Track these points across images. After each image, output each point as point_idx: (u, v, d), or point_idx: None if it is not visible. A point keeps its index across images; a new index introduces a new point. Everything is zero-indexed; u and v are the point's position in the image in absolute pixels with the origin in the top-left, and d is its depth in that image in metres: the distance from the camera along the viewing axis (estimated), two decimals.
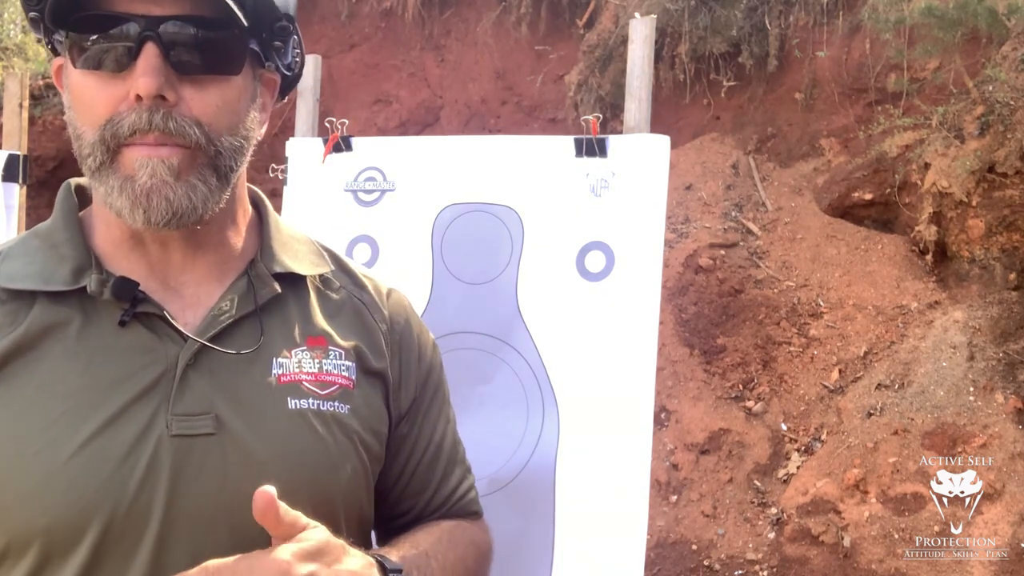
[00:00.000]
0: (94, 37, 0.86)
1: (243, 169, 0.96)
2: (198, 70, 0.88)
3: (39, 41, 0.95)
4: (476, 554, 1.09)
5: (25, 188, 2.73)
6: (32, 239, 0.95)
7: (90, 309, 0.90)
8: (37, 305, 0.89)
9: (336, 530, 0.94)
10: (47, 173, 7.04)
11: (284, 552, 0.77)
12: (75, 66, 0.88)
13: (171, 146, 0.87)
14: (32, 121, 6.45)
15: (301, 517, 0.80)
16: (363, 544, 0.98)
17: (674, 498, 4.18)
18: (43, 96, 7.06)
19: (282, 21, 0.95)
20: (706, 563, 3.93)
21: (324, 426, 0.94)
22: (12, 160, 2.69)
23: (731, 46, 5.61)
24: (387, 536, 1.05)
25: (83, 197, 1.00)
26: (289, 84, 1.03)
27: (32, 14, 0.90)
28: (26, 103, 2.78)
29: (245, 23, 0.89)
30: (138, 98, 0.85)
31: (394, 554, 0.93)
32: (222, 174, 0.91)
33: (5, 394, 0.86)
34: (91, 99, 0.88)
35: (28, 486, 0.83)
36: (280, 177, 2.30)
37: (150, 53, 0.85)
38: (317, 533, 0.80)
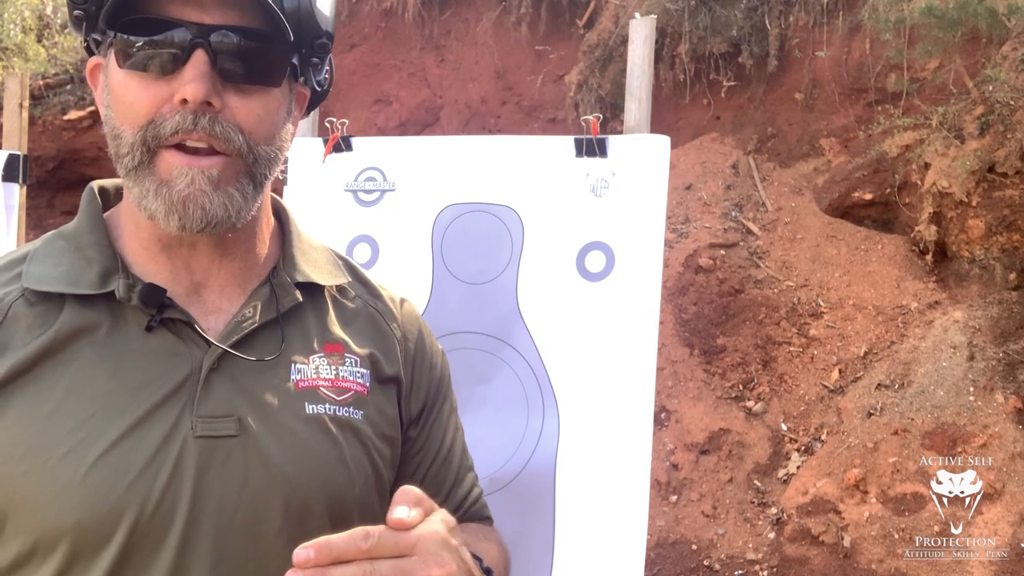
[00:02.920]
0: (144, 40, 0.88)
1: (272, 179, 0.98)
2: (243, 79, 0.89)
3: (83, 43, 0.95)
4: (503, 553, 1.11)
5: (25, 188, 2.73)
6: (58, 240, 0.96)
7: (118, 313, 0.92)
8: (66, 308, 0.91)
9: None
10: (47, 173, 7.05)
11: (438, 523, 0.78)
12: (120, 66, 0.89)
13: (213, 156, 0.89)
14: (32, 121, 6.45)
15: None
16: None
17: (674, 498, 4.18)
18: (43, 96, 7.06)
19: (322, 39, 0.96)
20: (706, 563, 3.93)
21: (339, 431, 0.96)
22: (12, 160, 2.69)
23: (731, 46, 5.61)
24: None
25: (106, 199, 1.01)
26: (317, 100, 1.05)
27: (77, 12, 0.91)
28: (26, 103, 2.78)
29: (291, 37, 0.90)
30: (183, 102, 0.87)
31: None
32: (258, 182, 0.93)
33: (35, 395, 0.87)
34: (133, 99, 0.89)
35: (57, 485, 0.85)
36: (280, 177, 2.30)
37: (199, 60, 0.87)
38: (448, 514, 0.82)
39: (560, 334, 1.99)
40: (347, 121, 2.22)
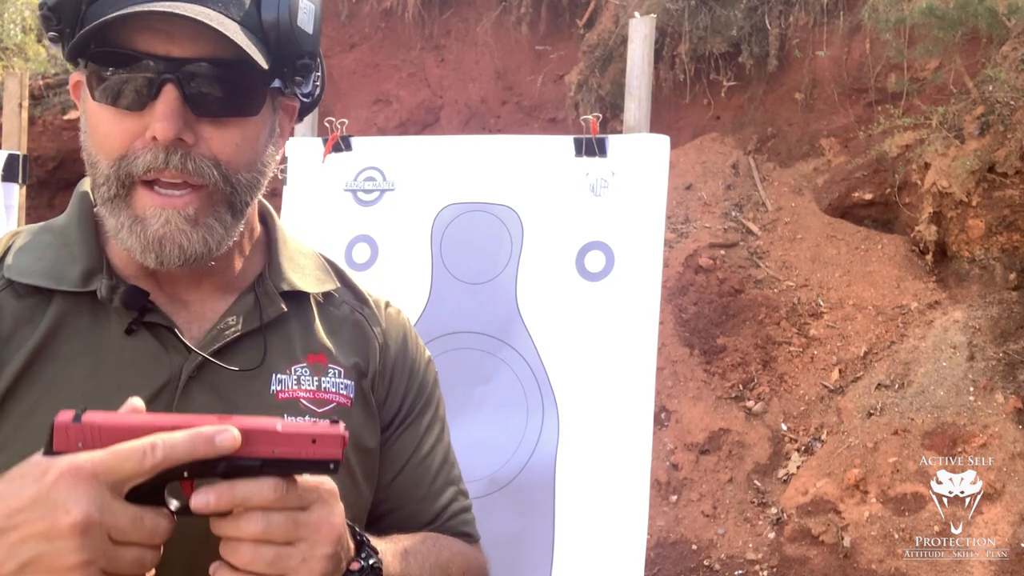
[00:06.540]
0: (113, 71, 0.85)
1: (254, 202, 0.96)
2: (217, 112, 0.87)
3: (68, 61, 0.94)
4: (463, 564, 1.05)
5: (25, 188, 2.72)
6: (44, 234, 0.95)
7: (100, 313, 0.90)
8: (53, 303, 0.89)
9: None
10: (47, 173, 7.04)
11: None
12: (93, 96, 0.87)
13: (188, 193, 0.86)
14: (32, 121, 6.45)
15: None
16: None
17: (674, 498, 4.17)
18: (43, 96, 7.06)
19: (305, 59, 0.93)
20: (706, 563, 3.93)
21: None
22: (12, 160, 2.69)
23: (731, 46, 5.61)
24: None
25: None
26: (308, 108, 1.03)
27: (51, 34, 0.89)
28: (26, 103, 2.78)
29: (265, 66, 0.87)
30: (154, 139, 0.85)
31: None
32: (237, 210, 0.91)
33: (16, 394, 0.86)
34: (107, 132, 0.87)
35: None
36: (280, 177, 2.30)
37: (169, 96, 0.84)
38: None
39: (560, 334, 1.99)
40: (347, 121, 2.22)
